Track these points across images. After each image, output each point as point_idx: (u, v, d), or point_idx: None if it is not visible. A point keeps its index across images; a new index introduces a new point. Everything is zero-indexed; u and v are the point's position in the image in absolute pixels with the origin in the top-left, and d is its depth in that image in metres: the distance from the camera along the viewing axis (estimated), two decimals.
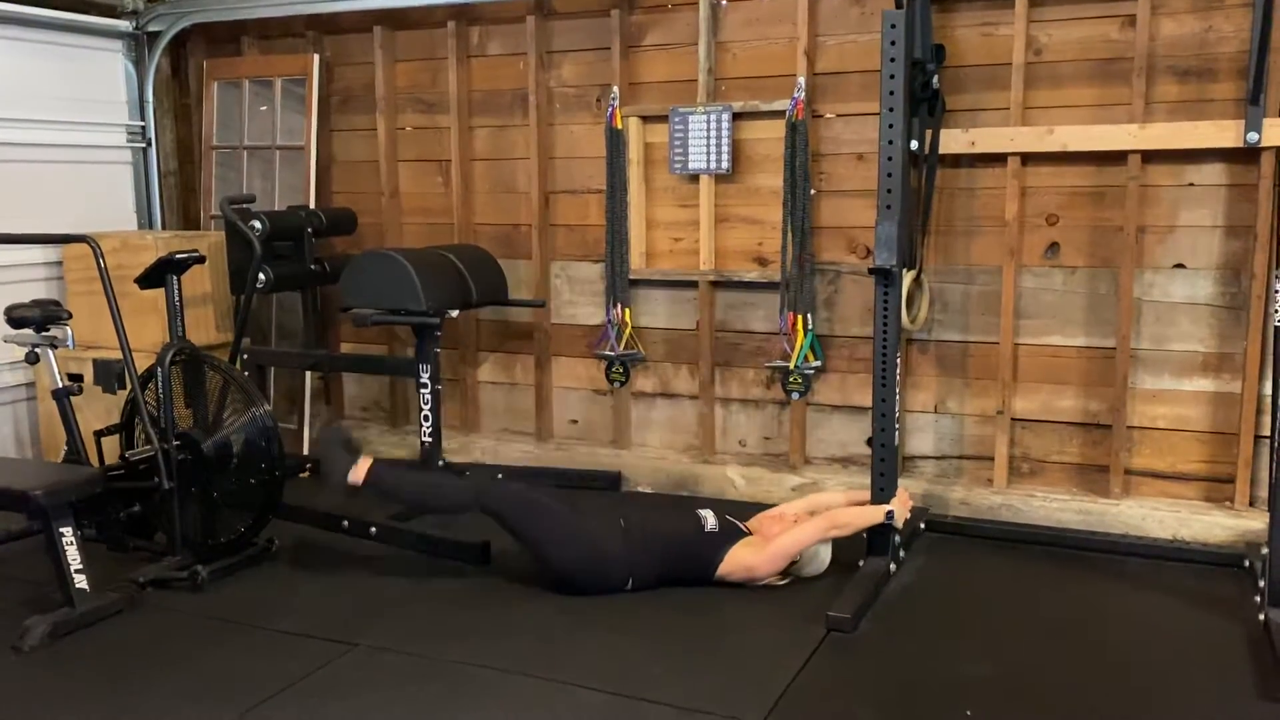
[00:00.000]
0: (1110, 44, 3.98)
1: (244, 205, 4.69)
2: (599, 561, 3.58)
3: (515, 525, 3.63)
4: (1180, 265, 4.00)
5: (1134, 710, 2.84)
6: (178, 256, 3.89)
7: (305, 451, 3.59)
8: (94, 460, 3.98)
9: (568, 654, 3.18)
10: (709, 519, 3.72)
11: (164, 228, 5.62)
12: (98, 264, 3.86)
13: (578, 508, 3.73)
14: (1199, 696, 2.91)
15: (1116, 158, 3.98)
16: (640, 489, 4.80)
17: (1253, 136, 3.71)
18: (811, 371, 4.52)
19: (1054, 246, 4.16)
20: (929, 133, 4.06)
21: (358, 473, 3.67)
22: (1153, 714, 2.83)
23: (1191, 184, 3.95)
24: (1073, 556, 3.93)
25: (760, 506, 4.05)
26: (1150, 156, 3.95)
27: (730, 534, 3.69)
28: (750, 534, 3.72)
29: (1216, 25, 3.84)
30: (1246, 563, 3.72)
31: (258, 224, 4.58)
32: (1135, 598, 3.59)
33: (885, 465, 3.78)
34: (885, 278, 3.68)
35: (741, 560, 3.60)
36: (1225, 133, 3.78)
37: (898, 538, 3.77)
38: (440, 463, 4.58)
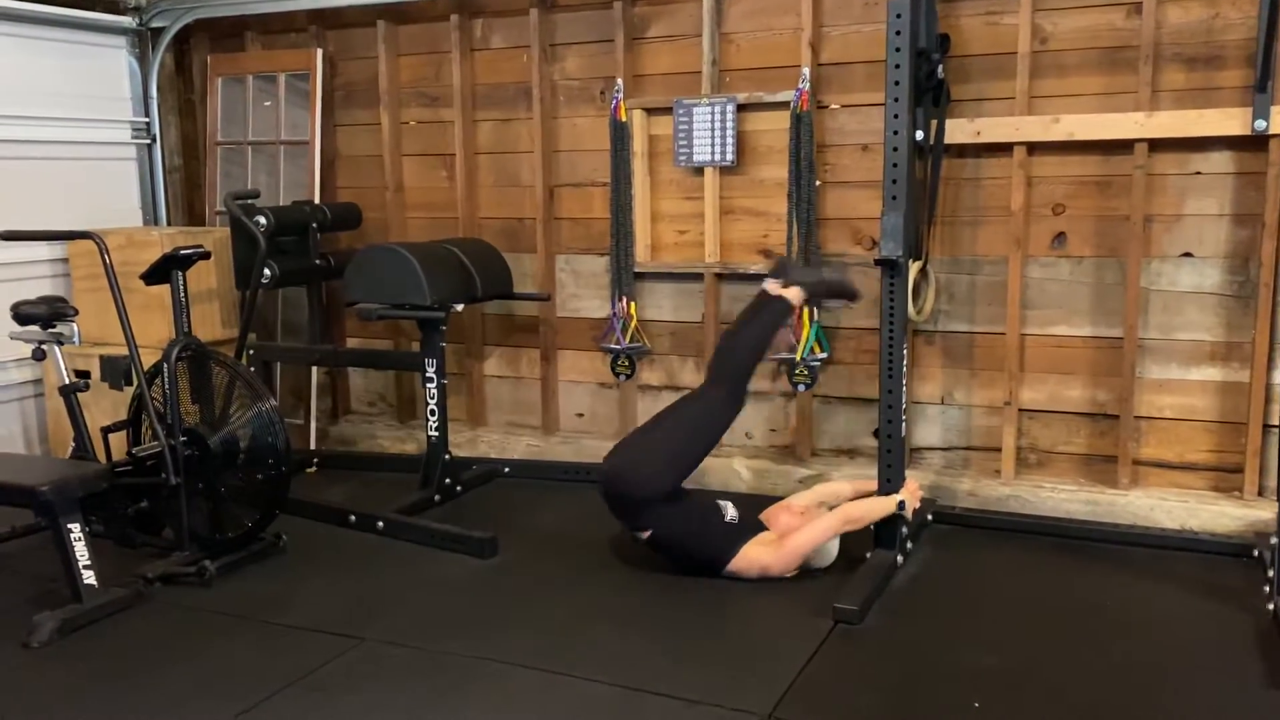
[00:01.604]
0: (1116, 32, 3.96)
1: (248, 201, 4.69)
2: (649, 484, 3.64)
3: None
4: (1188, 254, 3.98)
5: (1142, 700, 2.83)
6: (183, 252, 3.89)
7: (310, 447, 3.61)
8: (101, 456, 3.98)
9: (574, 647, 3.18)
10: (729, 509, 3.73)
11: (169, 224, 5.63)
12: (103, 260, 3.87)
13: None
14: (1207, 686, 2.90)
15: (1123, 146, 3.96)
16: None
17: (1260, 124, 3.69)
18: (818, 363, 4.51)
19: (1060, 236, 4.14)
20: (934, 123, 4.04)
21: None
22: (1161, 704, 2.82)
23: (1199, 172, 3.93)
24: (1080, 547, 3.92)
25: (767, 499, 4.06)
26: (1157, 145, 3.93)
27: (748, 528, 3.69)
28: (767, 529, 3.72)
29: (1223, 12, 3.81)
30: (1255, 552, 3.71)
31: (262, 219, 4.58)
32: (1143, 588, 3.58)
33: (892, 457, 3.77)
34: (891, 269, 3.67)
35: (756, 559, 3.59)
36: (1232, 120, 3.76)
37: (905, 529, 3.76)
38: (446, 457, 4.59)
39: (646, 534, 3.66)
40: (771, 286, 3.93)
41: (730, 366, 3.87)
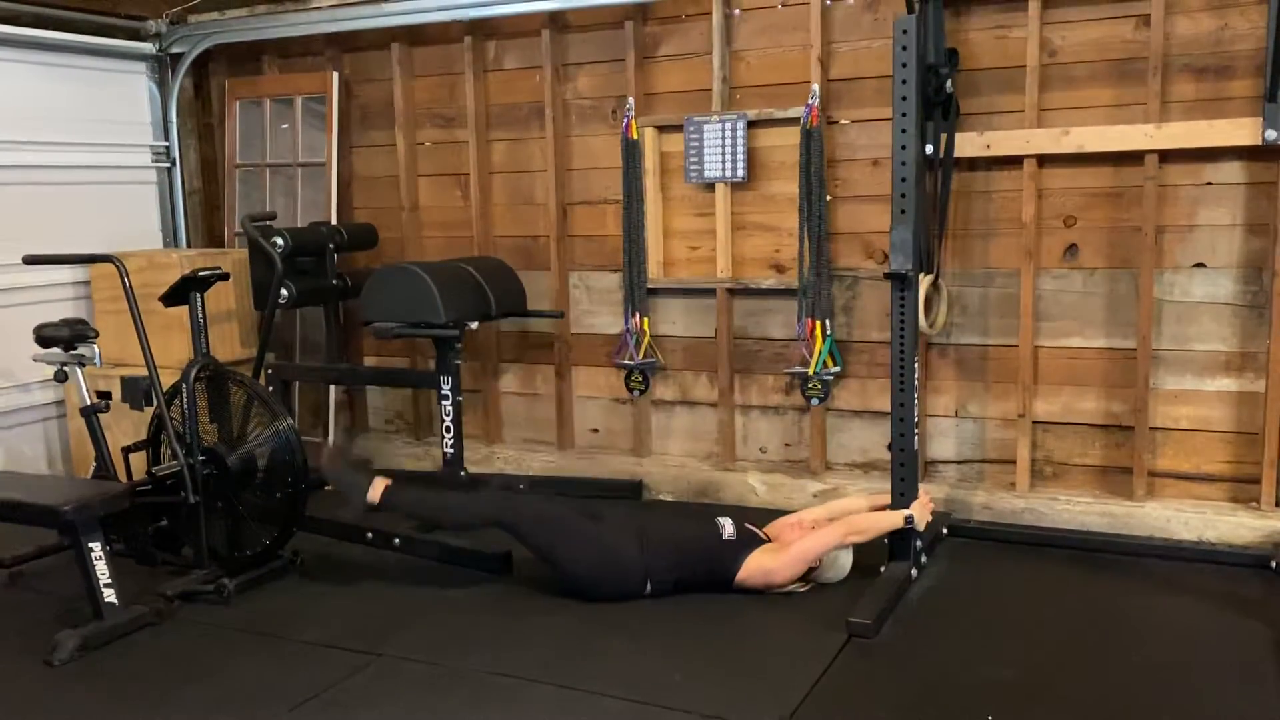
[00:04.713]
0: (1125, 44, 3.97)
1: (266, 222, 4.75)
2: (615, 566, 3.61)
3: (529, 538, 3.68)
4: (1200, 264, 3.98)
5: (1159, 713, 2.82)
6: (201, 274, 3.95)
7: (322, 464, 3.74)
8: (122, 476, 4.03)
9: (588, 662, 3.20)
10: (727, 527, 3.73)
11: (189, 246, 5.70)
12: (123, 283, 3.93)
13: (594, 515, 3.76)
14: (1225, 699, 2.89)
15: (1134, 158, 3.96)
16: (662, 497, 4.81)
17: (1271, 134, 3.69)
18: (831, 377, 4.52)
19: (1072, 248, 4.15)
20: (944, 136, 4.05)
21: (374, 492, 3.78)
22: (1178, 716, 2.80)
23: (1210, 183, 3.92)
24: (1096, 560, 3.91)
25: (781, 513, 4.05)
26: (1168, 156, 3.93)
27: (748, 542, 3.69)
28: (768, 541, 3.73)
29: (1232, 23, 3.82)
30: (1273, 563, 3.69)
31: (280, 240, 4.64)
32: (1160, 600, 3.56)
33: (906, 470, 3.77)
34: (901, 282, 3.69)
35: (760, 565, 3.60)
36: (1243, 131, 3.76)
37: (919, 543, 3.76)
38: (463, 474, 4.61)
39: (648, 590, 3.64)
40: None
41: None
